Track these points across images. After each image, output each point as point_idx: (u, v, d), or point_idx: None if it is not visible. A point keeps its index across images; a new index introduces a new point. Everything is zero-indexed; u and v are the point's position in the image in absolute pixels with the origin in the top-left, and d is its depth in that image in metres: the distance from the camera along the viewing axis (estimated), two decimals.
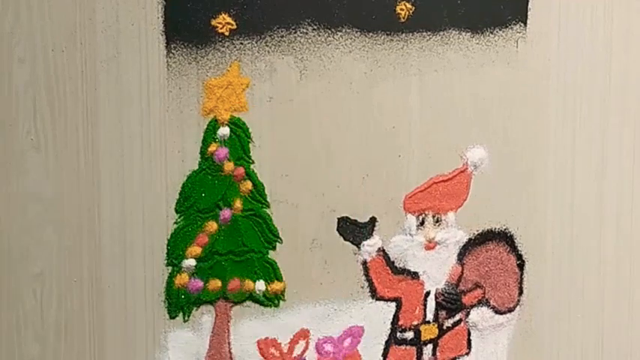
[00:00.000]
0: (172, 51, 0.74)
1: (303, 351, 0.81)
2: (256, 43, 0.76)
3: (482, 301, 0.85)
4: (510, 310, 0.86)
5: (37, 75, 0.72)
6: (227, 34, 0.75)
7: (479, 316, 0.84)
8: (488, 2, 0.81)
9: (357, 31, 0.78)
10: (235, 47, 0.76)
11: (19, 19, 0.71)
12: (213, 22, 0.75)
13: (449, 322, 0.84)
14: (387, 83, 0.80)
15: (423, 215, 0.82)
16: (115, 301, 0.77)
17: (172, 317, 0.78)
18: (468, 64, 0.81)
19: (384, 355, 0.83)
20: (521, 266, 0.85)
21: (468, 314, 0.84)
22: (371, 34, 0.78)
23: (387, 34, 0.79)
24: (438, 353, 0.84)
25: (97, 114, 0.74)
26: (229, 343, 0.80)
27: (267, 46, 0.76)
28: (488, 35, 0.82)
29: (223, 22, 0.75)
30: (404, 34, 0.79)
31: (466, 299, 0.84)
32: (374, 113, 0.80)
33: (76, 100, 0.73)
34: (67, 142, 0.73)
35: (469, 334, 0.85)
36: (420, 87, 0.80)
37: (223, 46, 0.75)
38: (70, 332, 0.76)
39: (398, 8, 0.79)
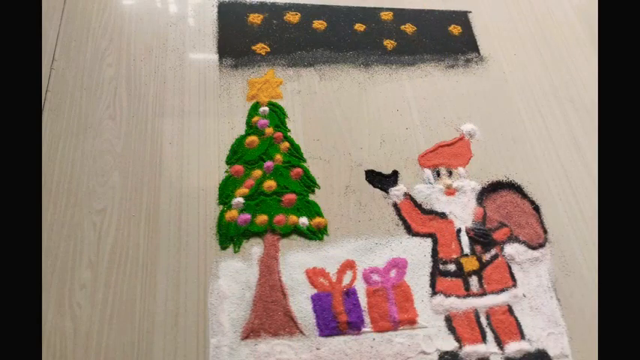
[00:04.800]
0: (223, 61, 0.99)
1: (352, 281, 0.81)
2: (285, 60, 1.02)
3: (512, 238, 0.89)
4: (542, 245, 0.89)
5: (120, 73, 0.94)
6: (264, 54, 1.02)
7: (513, 249, 0.87)
8: (446, 41, 1.12)
9: (359, 52, 1.06)
10: (270, 62, 1.01)
11: (112, 41, 0.98)
12: (253, 47, 1.02)
13: (487, 256, 0.86)
14: (386, 84, 1.03)
15: (438, 169, 0.94)
16: (169, 233, 0.81)
17: (223, 248, 0.81)
18: (443, 75, 1.07)
19: (432, 285, 0.82)
20: (537, 209, 0.93)
21: (502, 249, 0.87)
22: (368, 54, 1.06)
23: (380, 55, 1.07)
24: (485, 285, 0.84)
25: (165, 96, 0.94)
26: (279, 272, 0.80)
27: (293, 60, 1.02)
28: (453, 59, 1.10)
29: (260, 47, 1.03)
30: (392, 57, 1.07)
31: (496, 235, 0.88)
32: (379, 101, 1.01)
33: (147, 88, 0.94)
34: (138, 113, 0.91)
35: (510, 268, 0.86)
36: (411, 86, 1.04)
37: (261, 61, 1.01)
38: (124, 261, 0.77)
39: (385, 42, 1.09)
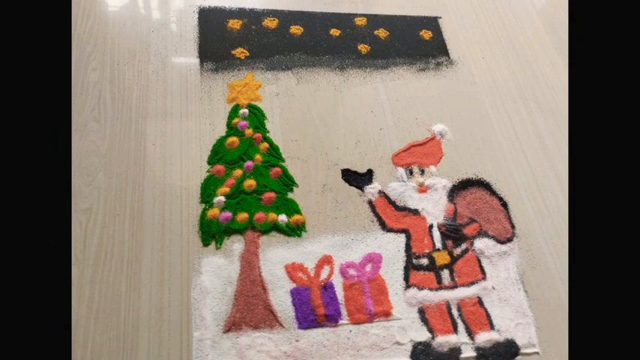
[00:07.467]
0: (204, 65, 1.02)
1: (329, 275, 0.85)
2: (264, 63, 1.06)
3: (482, 233, 0.94)
4: (509, 240, 0.94)
5: (104, 76, 0.97)
6: (243, 58, 1.05)
7: (483, 244, 0.92)
8: (417, 46, 1.17)
9: (335, 56, 1.10)
10: (249, 66, 1.04)
11: (97, 46, 1.00)
12: (233, 52, 1.06)
13: (457, 251, 0.91)
14: (361, 87, 1.07)
15: (410, 168, 0.98)
16: (153, 231, 0.84)
17: (205, 245, 0.84)
18: (415, 77, 1.12)
19: (406, 279, 0.87)
20: (505, 205, 0.98)
21: (472, 244, 0.92)
22: (343, 58, 1.10)
23: (354, 59, 1.11)
24: (456, 278, 0.88)
25: (148, 99, 0.96)
26: (259, 267, 0.83)
27: (271, 64, 1.06)
28: (424, 62, 1.14)
29: (240, 52, 1.06)
30: (366, 61, 1.11)
31: (466, 230, 0.93)
32: (354, 102, 1.05)
33: (131, 91, 0.97)
34: (122, 115, 0.93)
35: (479, 261, 0.91)
36: (385, 88, 1.08)
37: (241, 65, 1.04)
38: (110, 258, 0.80)
39: (359, 47, 1.13)
